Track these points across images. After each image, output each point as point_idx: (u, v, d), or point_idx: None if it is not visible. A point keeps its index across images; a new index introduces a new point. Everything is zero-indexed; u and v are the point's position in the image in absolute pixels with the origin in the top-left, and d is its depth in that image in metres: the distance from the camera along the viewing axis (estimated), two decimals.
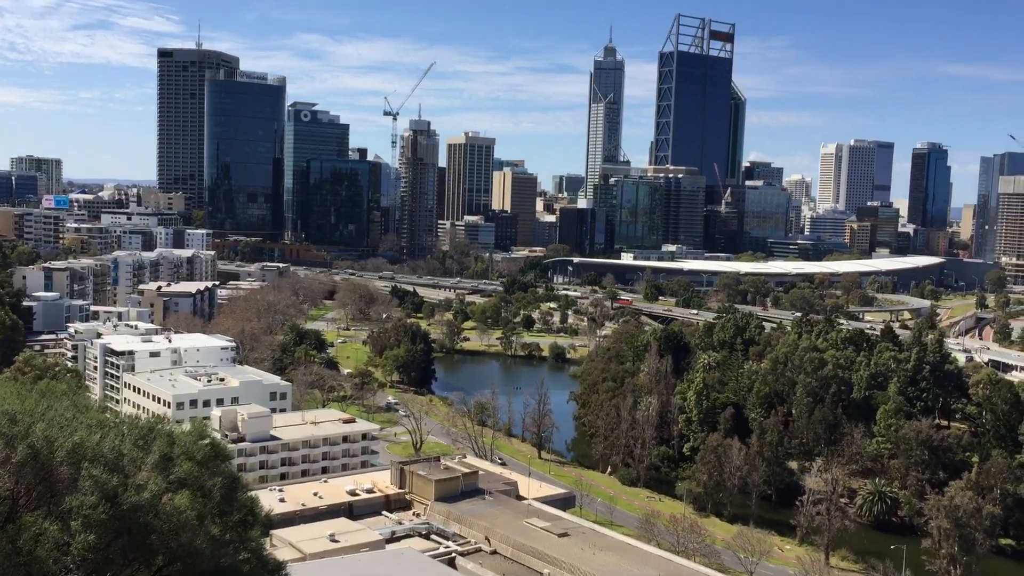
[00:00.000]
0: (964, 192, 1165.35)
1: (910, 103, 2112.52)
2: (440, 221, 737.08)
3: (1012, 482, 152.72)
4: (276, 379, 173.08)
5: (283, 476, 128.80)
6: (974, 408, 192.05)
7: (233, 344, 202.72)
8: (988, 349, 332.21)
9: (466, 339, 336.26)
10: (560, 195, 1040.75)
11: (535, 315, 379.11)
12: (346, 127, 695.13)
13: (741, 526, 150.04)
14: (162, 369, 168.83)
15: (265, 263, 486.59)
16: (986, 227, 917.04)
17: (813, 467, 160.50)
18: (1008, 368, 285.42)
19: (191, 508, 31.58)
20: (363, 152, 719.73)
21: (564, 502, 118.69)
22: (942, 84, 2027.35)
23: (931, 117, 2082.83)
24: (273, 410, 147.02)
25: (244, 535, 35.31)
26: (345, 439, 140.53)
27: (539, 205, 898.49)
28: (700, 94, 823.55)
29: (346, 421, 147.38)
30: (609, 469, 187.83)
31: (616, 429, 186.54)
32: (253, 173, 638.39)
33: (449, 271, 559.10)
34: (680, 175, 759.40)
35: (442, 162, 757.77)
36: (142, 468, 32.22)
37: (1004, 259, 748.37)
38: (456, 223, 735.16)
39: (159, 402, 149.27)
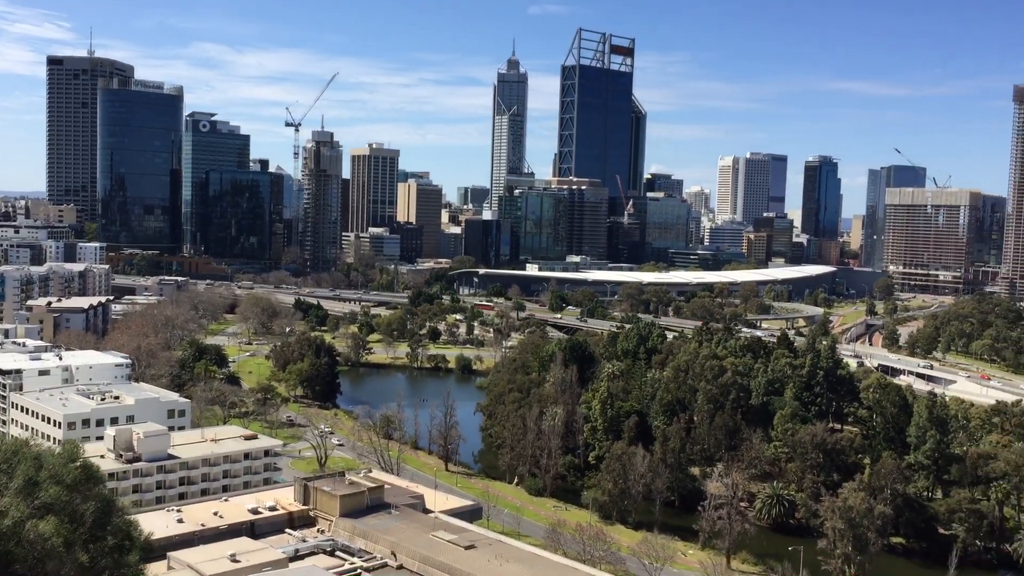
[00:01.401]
0: (854, 203, 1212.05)
1: (801, 118, 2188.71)
2: (344, 233, 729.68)
3: (901, 482, 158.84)
4: (174, 396, 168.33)
5: (182, 496, 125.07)
6: (865, 412, 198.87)
7: (128, 361, 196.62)
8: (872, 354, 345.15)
9: (371, 352, 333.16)
10: (465, 207, 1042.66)
11: (441, 327, 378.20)
12: (247, 138, 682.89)
13: (645, 532, 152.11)
14: (52, 388, 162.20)
15: (162, 277, 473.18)
16: (874, 237, 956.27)
17: (714, 472, 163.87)
18: (896, 372, 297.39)
19: (58, 535, 30.06)
20: (264, 163, 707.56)
21: (471, 514, 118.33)
22: (830, 99, 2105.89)
23: (821, 131, 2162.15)
24: (171, 428, 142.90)
25: (119, 560, 33.96)
26: (247, 456, 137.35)
27: (444, 217, 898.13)
28: (602, 107, 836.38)
29: (248, 438, 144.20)
30: (516, 480, 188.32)
31: (522, 440, 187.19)
32: (149, 184, 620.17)
33: (354, 283, 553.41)
34: (584, 187, 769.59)
35: (346, 173, 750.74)
36: (4, 493, 30.60)
37: (892, 267, 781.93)
38: (361, 235, 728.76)
39: (49, 423, 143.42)
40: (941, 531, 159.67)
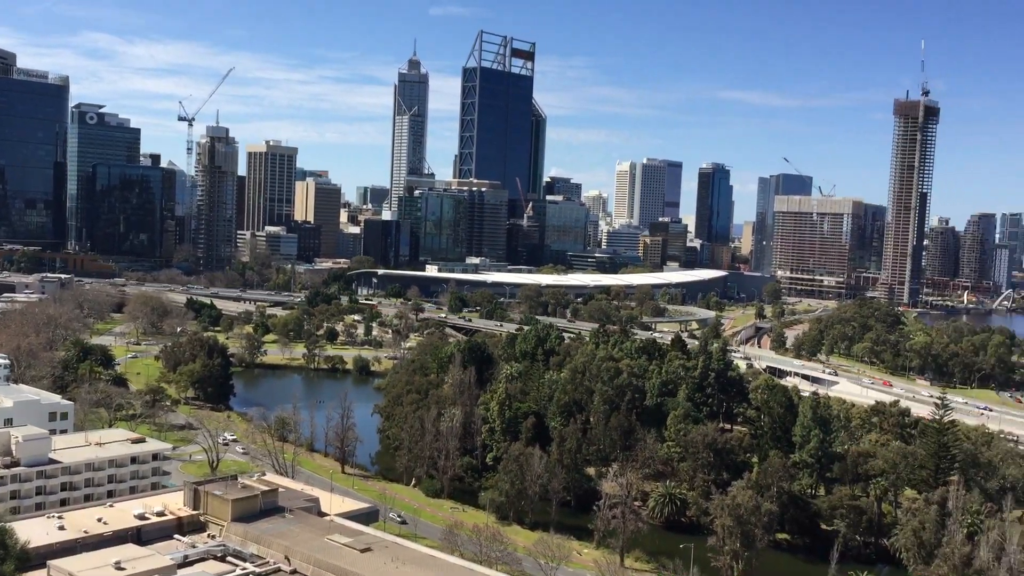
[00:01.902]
0: (745, 210, 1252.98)
1: (697, 125, 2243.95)
2: (240, 231, 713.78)
3: (787, 480, 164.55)
4: (56, 398, 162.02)
5: (64, 502, 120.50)
6: (754, 412, 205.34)
7: (7, 361, 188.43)
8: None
9: (267, 353, 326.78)
10: (364, 207, 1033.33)
11: (339, 328, 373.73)
12: (137, 131, 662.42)
13: (542, 532, 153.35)
14: None
15: (45, 274, 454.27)
16: (764, 242, 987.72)
17: (609, 472, 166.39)
18: (783, 374, 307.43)
19: None
20: (156, 158, 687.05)
21: (367, 517, 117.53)
22: (725, 108, 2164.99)
23: (715, 139, 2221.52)
24: (53, 431, 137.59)
25: None
26: (134, 460, 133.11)
27: (343, 216, 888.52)
28: (503, 110, 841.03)
29: (135, 441, 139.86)
30: (413, 481, 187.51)
31: (420, 441, 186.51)
32: (31, 177, 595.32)
33: (249, 283, 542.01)
34: (483, 189, 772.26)
35: (242, 171, 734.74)
36: None
37: (780, 272, 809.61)
38: (257, 233, 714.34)
39: None
40: (824, 527, 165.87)
